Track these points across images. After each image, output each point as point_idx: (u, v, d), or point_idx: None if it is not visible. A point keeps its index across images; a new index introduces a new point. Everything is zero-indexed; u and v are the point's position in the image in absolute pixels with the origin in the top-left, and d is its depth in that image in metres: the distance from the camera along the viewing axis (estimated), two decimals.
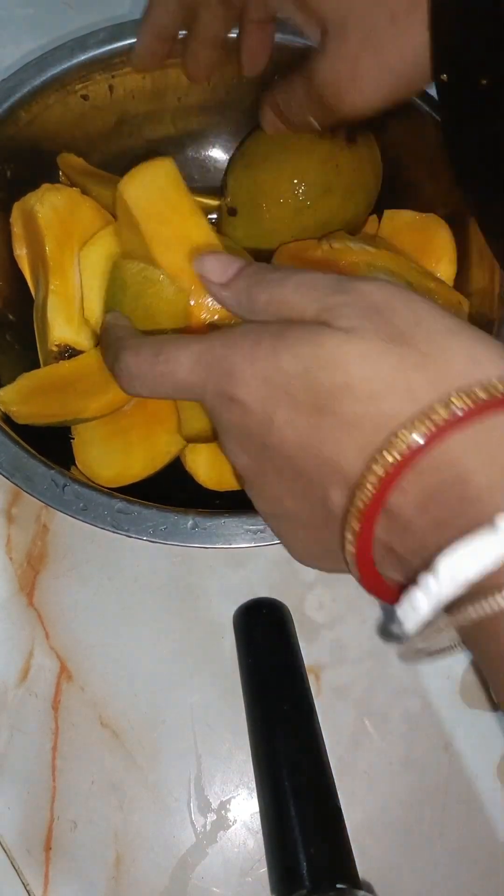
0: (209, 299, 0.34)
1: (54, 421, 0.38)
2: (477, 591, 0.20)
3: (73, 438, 0.41)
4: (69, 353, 0.39)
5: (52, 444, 0.37)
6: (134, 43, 0.40)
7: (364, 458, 0.22)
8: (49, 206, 0.38)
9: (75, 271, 0.39)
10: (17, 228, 0.41)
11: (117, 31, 0.40)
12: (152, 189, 0.35)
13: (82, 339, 0.39)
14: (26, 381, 0.38)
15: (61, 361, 0.39)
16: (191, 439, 0.38)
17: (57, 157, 0.43)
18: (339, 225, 0.42)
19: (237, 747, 0.40)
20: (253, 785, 0.39)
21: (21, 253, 0.41)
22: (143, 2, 0.38)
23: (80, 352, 0.39)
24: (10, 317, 0.42)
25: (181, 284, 0.34)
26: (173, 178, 0.36)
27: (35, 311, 0.41)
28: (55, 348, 0.39)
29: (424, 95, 0.40)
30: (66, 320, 0.39)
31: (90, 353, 0.39)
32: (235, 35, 0.40)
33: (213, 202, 0.42)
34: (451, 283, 0.41)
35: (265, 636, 0.40)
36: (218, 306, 0.34)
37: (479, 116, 0.35)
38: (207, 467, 0.40)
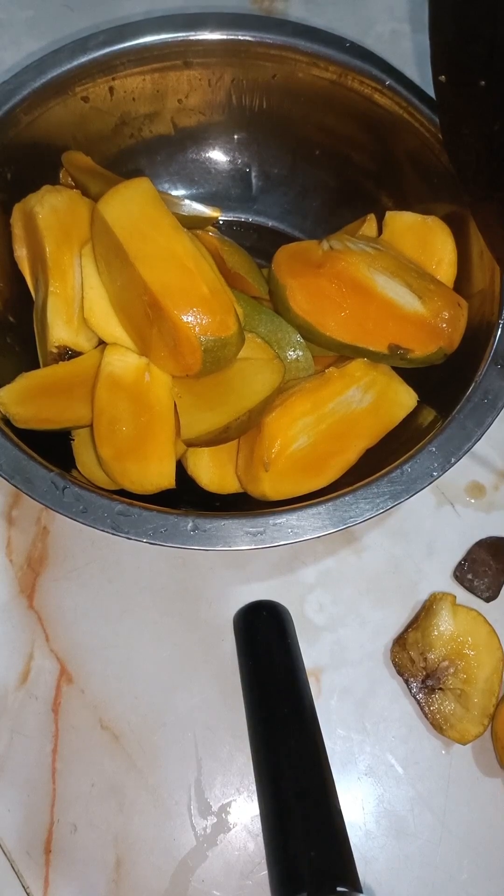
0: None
1: (54, 427, 0.38)
2: None
3: (74, 440, 0.41)
4: (69, 354, 0.39)
5: (52, 446, 0.37)
6: (134, 45, 0.40)
7: None
8: (49, 207, 0.38)
9: (75, 273, 0.39)
10: (17, 230, 0.41)
11: (117, 33, 0.40)
12: (132, 208, 0.35)
13: (81, 341, 0.39)
14: (25, 380, 0.38)
15: (60, 362, 0.39)
16: (191, 443, 0.38)
17: (60, 155, 0.42)
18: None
19: (237, 750, 0.40)
20: (253, 787, 0.39)
21: (21, 254, 0.41)
22: (142, 3, 0.38)
23: (80, 353, 0.39)
24: (11, 318, 0.42)
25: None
26: (152, 197, 0.36)
27: (35, 312, 0.41)
28: (55, 350, 0.39)
29: (424, 96, 0.40)
30: (65, 322, 0.38)
31: (89, 354, 0.39)
32: (241, 39, 0.40)
33: (212, 213, 0.42)
34: (451, 285, 0.41)
35: (265, 638, 0.40)
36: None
37: (478, 116, 0.35)
38: (209, 471, 0.40)
